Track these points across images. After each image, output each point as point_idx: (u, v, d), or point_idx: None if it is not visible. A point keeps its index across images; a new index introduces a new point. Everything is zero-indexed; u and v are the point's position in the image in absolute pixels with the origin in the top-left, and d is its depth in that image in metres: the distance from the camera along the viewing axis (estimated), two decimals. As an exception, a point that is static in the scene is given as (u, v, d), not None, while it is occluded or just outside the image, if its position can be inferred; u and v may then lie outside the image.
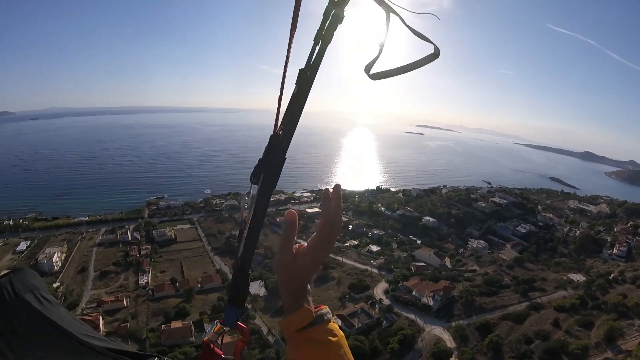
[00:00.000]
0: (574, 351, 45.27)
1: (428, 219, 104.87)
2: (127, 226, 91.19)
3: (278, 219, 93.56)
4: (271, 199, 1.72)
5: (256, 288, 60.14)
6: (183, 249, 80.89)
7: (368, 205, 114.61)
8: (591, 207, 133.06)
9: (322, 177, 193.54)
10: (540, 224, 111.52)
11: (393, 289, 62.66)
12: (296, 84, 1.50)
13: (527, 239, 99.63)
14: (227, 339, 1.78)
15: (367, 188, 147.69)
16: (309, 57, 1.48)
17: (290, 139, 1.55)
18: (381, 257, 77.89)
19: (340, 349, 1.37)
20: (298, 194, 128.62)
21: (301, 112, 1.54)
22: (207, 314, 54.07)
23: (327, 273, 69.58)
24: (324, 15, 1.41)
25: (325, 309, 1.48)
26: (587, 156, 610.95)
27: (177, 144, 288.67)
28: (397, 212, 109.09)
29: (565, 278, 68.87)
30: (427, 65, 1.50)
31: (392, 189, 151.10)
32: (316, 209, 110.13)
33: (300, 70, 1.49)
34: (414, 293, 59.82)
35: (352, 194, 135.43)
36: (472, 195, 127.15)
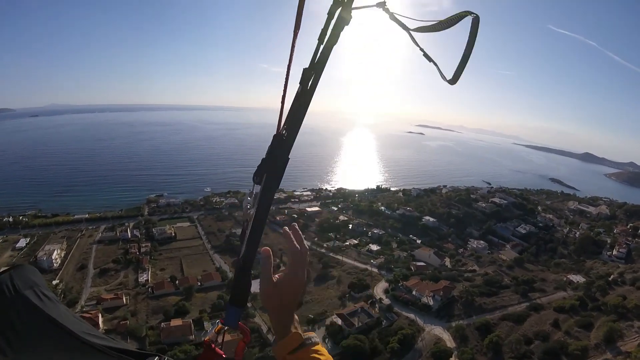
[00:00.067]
0: (573, 352, 45.26)
1: (428, 218, 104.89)
2: (126, 224, 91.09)
3: (278, 218, 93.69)
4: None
5: (256, 286, 59.19)
6: (183, 246, 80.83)
7: (368, 204, 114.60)
8: (591, 209, 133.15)
9: (322, 176, 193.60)
10: (540, 224, 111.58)
11: (393, 288, 62.64)
12: (300, 83, 1.49)
13: (527, 240, 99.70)
14: (228, 336, 1.81)
15: (367, 187, 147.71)
16: (313, 56, 1.47)
17: (294, 139, 1.54)
18: (381, 256, 77.90)
19: None
20: (298, 193, 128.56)
21: (305, 112, 1.53)
22: (206, 312, 54.04)
23: (327, 272, 69.59)
24: (328, 14, 1.41)
25: (313, 334, 1.63)
26: (587, 157, 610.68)
27: (177, 142, 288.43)
28: (397, 211, 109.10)
29: (565, 279, 68.89)
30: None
31: (392, 189, 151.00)
32: (316, 208, 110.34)
33: (304, 69, 1.48)
34: (414, 293, 59.81)
35: (352, 193, 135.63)
36: (472, 196, 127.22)
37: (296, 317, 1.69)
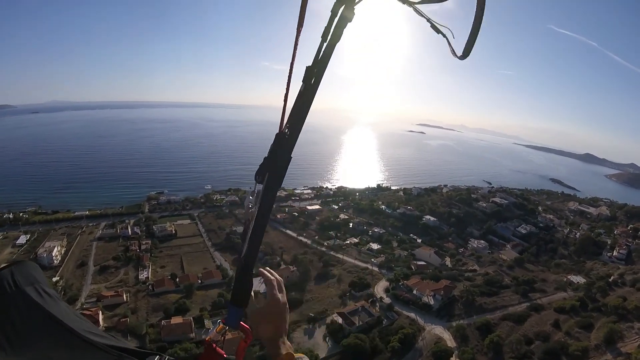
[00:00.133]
0: (574, 353, 45.23)
1: (429, 217, 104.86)
2: (127, 221, 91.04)
3: (279, 216, 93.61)
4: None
5: (257, 285, 59.16)
6: (183, 244, 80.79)
7: (369, 203, 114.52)
8: (591, 209, 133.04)
9: (322, 174, 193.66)
10: (541, 225, 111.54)
11: (394, 287, 62.61)
12: (303, 81, 1.49)
13: (527, 240, 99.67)
14: (229, 335, 1.81)
15: (367, 186, 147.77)
16: (316, 54, 1.47)
17: (297, 138, 1.54)
18: (382, 255, 77.88)
19: None
20: (299, 191, 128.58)
21: (308, 110, 1.52)
22: (207, 310, 54.01)
23: (328, 270, 69.56)
24: (331, 12, 1.41)
25: (304, 356, 1.83)
26: (588, 158, 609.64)
27: (177, 139, 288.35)
28: (398, 210, 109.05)
29: (565, 279, 68.85)
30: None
31: (392, 187, 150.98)
32: (317, 206, 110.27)
33: (307, 67, 1.48)
34: (414, 292, 59.79)
35: (352, 191, 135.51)
36: (472, 195, 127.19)
37: (288, 343, 1.83)
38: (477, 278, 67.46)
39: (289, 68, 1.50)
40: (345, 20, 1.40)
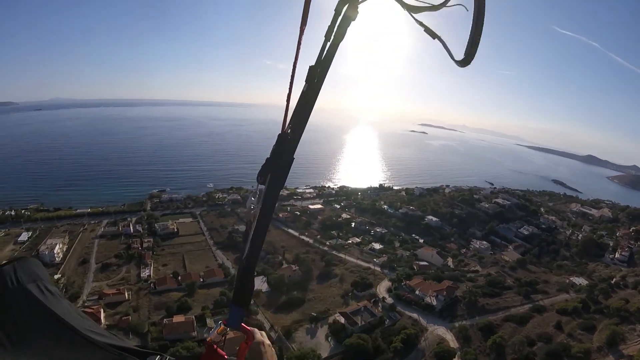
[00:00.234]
0: (576, 354, 45.15)
1: (431, 218, 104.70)
2: (129, 219, 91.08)
3: (281, 215, 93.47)
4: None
5: (258, 284, 60.02)
6: (185, 242, 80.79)
7: (371, 202, 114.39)
8: (593, 211, 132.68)
9: (325, 173, 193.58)
10: (543, 226, 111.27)
11: (396, 287, 62.57)
12: (306, 81, 1.49)
13: (529, 241, 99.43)
14: (230, 334, 1.82)
15: (369, 185, 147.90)
16: (319, 53, 1.47)
17: (300, 138, 1.54)
18: (384, 255, 77.79)
19: None
20: (301, 190, 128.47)
21: (311, 110, 1.52)
22: (209, 309, 53.97)
23: (330, 270, 69.51)
24: (335, 11, 1.41)
25: None
26: (590, 159, 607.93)
27: (180, 137, 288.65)
28: (400, 210, 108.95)
29: (567, 281, 68.77)
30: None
31: (394, 187, 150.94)
32: (319, 206, 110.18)
33: (310, 67, 1.48)
34: (417, 292, 59.67)
35: (354, 191, 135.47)
36: (475, 196, 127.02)
37: None
38: (480, 279, 67.37)
39: (291, 68, 1.48)
40: (348, 20, 1.40)
